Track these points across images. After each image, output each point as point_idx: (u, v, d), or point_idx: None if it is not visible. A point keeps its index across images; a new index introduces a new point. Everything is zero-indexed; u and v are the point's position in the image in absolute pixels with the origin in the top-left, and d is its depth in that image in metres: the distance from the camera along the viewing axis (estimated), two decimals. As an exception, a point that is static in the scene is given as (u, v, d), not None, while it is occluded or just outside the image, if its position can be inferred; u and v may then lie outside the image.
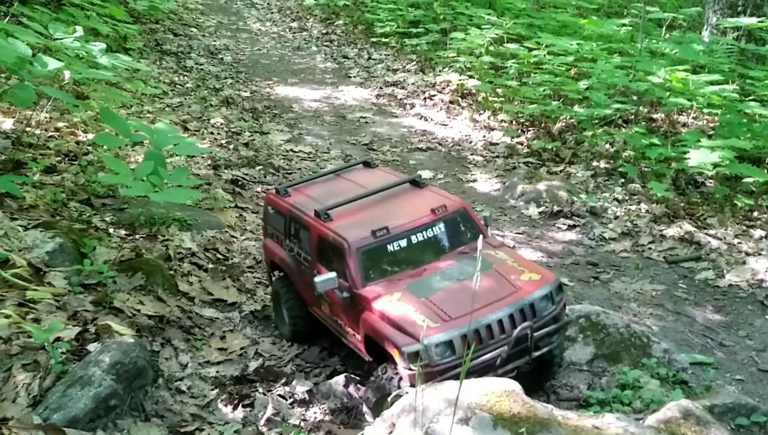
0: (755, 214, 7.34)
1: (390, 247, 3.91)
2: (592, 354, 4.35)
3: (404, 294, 3.72)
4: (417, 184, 4.44)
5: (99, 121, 7.02)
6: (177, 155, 7.04)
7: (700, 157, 6.80)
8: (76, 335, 4.12)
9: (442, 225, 4.04)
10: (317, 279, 3.81)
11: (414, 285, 3.78)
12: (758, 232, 6.85)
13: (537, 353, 3.73)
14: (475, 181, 8.23)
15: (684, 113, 9.64)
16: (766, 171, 7.23)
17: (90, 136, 6.83)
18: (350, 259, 3.82)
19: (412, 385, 3.44)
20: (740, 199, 7.22)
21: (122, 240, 5.35)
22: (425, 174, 8.31)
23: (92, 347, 4.01)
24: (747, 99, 8.57)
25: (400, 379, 3.62)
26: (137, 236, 5.51)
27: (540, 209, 7.45)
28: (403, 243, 3.94)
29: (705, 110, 8.84)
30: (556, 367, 4.10)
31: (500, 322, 3.61)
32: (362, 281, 3.81)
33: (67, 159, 6.34)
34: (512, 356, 3.66)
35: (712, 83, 8.07)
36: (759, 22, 7.65)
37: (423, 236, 3.98)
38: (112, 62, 6.02)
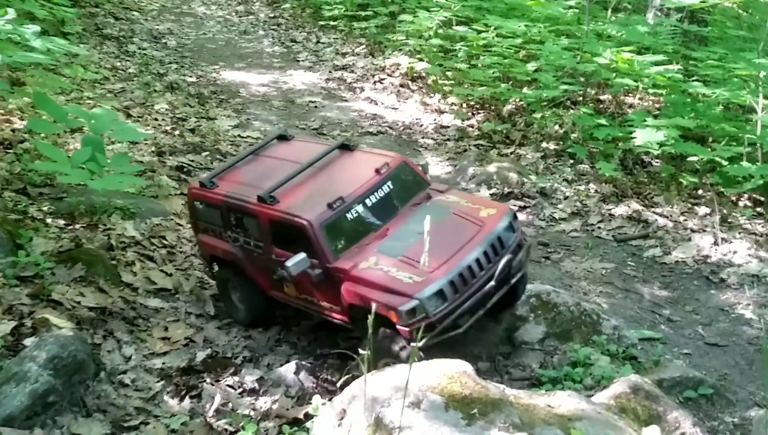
0: (700, 191, 7.49)
1: (349, 216, 3.90)
2: (544, 333, 4.36)
3: (379, 257, 3.73)
4: (348, 147, 4.44)
5: (36, 108, 6.72)
6: (119, 142, 6.81)
7: (646, 137, 6.89)
8: (11, 330, 3.94)
9: (390, 182, 4.09)
10: (289, 263, 3.74)
11: (384, 246, 3.81)
12: (703, 210, 6.99)
13: (514, 280, 3.91)
14: (426, 164, 8.17)
15: (630, 94, 9.77)
16: (709, 149, 7.37)
17: (26, 123, 6.54)
18: (315, 236, 3.77)
19: (411, 341, 3.53)
20: (685, 177, 7.34)
21: (61, 230, 5.14)
22: (376, 158, 8.22)
23: (29, 342, 3.83)
24: (690, 79, 8.72)
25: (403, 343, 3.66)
26: (77, 226, 5.30)
27: (491, 191, 7.45)
28: (360, 208, 3.95)
29: (650, 91, 8.97)
30: (522, 287, 4.28)
31: (477, 260, 3.73)
32: (333, 255, 3.78)
33: (1, 147, 6.06)
34: (497, 288, 3.78)
35: (656, 64, 8.17)
36: (701, 2, 7.76)
37: (376, 198, 4.01)
38: (47, 46, 5.76)
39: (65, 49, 6.25)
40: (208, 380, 4.05)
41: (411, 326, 3.54)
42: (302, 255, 3.76)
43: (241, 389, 3.98)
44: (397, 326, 3.60)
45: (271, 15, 13.81)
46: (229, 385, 3.99)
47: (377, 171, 4.08)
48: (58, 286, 4.47)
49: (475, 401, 3.12)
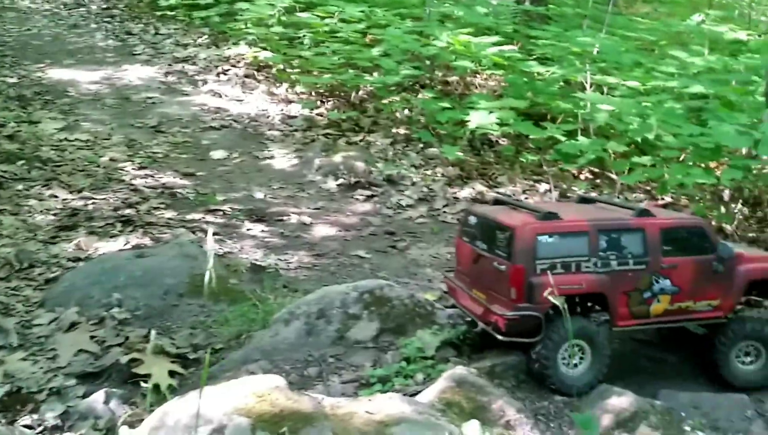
0: (544, 168, 7.65)
1: None
2: (377, 330, 4.19)
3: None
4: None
5: None
6: None
7: (479, 119, 6.93)
8: None
9: None
10: (727, 244, 4.22)
11: None
12: (544, 186, 7.14)
13: None
14: (272, 157, 7.87)
15: (477, 75, 9.89)
16: (548, 127, 7.52)
17: None
18: (713, 232, 4.31)
19: None
20: (525, 155, 7.47)
21: None
22: (219, 154, 7.83)
23: None
24: (530, 58, 8.91)
25: None
26: None
27: (338, 182, 7.26)
28: None
29: (491, 71, 9.09)
30: None
31: None
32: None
33: None
34: None
35: (494, 45, 8.26)
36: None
37: None
38: None
39: None
40: (3, 422, 3.58)
41: None
42: (730, 244, 4.24)
43: (41, 428, 3.54)
44: None
45: (104, 6, 12.92)
46: (26, 426, 3.54)
47: None
48: None
49: (286, 419, 2.90)
